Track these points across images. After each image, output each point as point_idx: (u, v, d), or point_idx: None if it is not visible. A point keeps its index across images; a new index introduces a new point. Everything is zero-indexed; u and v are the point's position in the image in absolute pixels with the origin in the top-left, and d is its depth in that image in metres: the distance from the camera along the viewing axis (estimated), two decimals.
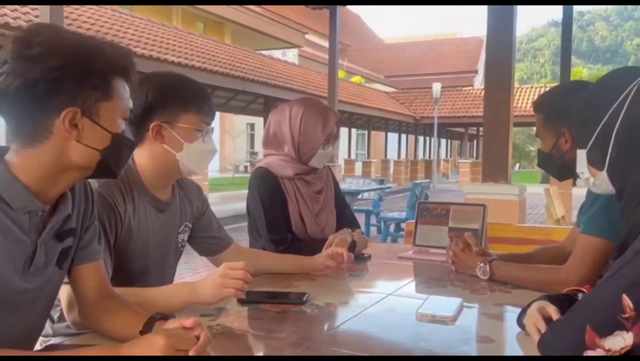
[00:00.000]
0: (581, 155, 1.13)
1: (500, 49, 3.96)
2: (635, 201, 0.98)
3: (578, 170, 1.16)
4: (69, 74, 0.93)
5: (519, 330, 1.17)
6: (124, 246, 1.36)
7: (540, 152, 1.68)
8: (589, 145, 1.08)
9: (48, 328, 1.34)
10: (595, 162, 1.09)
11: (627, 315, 0.83)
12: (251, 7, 18.76)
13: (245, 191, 2.05)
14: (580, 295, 1.13)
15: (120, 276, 1.32)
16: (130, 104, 1.06)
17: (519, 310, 1.19)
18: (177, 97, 1.39)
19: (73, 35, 0.98)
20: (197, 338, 0.92)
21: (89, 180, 1.13)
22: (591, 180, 1.12)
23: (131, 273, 1.39)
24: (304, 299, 1.37)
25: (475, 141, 33.34)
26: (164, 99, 1.37)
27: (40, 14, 2.90)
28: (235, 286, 1.23)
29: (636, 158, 1.00)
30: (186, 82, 1.44)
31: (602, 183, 1.09)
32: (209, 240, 1.64)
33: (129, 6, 15.23)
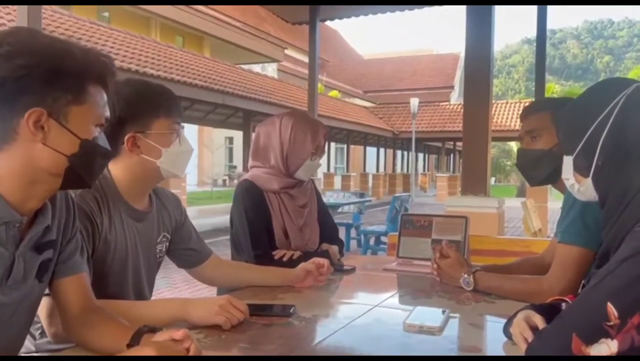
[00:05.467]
0: (568, 161, 1.15)
1: (479, 64, 4.05)
2: (618, 210, 1.00)
3: (564, 176, 1.18)
4: (37, 73, 0.90)
5: (505, 339, 1.18)
6: (102, 256, 1.34)
7: (531, 150, 1.59)
8: (576, 152, 1.11)
9: (30, 345, 1.30)
10: (581, 169, 1.11)
11: (611, 323, 0.85)
12: (231, 21, 18.79)
13: (225, 205, 2.05)
14: (564, 305, 1.15)
15: (100, 287, 1.29)
16: (107, 113, 1.03)
17: (503, 320, 1.21)
18: (146, 105, 1.38)
19: (48, 38, 0.96)
20: (187, 350, 0.91)
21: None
22: (576, 186, 1.15)
23: (110, 284, 1.37)
24: (291, 311, 1.37)
25: (452, 155, 33.72)
26: (134, 109, 1.35)
27: (18, 15, 2.73)
28: (230, 318, 1.23)
29: (620, 167, 1.02)
30: (151, 88, 1.43)
31: (587, 189, 1.11)
32: (188, 252, 1.63)
33: (108, 18, 15.12)
